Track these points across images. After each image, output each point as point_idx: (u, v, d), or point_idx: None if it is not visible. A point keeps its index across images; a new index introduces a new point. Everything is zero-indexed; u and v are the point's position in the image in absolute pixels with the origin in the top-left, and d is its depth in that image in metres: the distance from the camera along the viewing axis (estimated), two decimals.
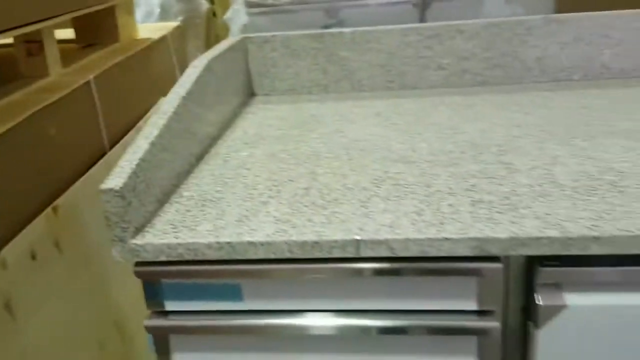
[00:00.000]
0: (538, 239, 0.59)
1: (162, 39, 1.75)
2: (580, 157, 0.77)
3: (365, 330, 0.67)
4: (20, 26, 1.13)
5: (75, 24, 1.62)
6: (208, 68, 0.92)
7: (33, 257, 0.97)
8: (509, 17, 1.15)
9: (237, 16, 2.45)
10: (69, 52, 1.45)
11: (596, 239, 0.59)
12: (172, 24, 2.06)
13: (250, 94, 1.19)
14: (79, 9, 1.37)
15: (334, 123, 0.99)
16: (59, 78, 1.26)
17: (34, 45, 1.25)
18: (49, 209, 1.05)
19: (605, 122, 0.89)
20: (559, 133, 0.86)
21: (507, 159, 0.78)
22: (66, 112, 1.14)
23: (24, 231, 0.93)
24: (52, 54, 1.25)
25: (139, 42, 1.67)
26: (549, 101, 1.02)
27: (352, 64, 1.16)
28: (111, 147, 1.31)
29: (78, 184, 1.12)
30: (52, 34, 1.26)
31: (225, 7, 2.99)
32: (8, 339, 0.86)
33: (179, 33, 2.02)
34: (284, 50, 1.16)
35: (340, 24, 2.12)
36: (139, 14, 3.65)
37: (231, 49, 1.07)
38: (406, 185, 0.73)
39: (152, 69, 1.64)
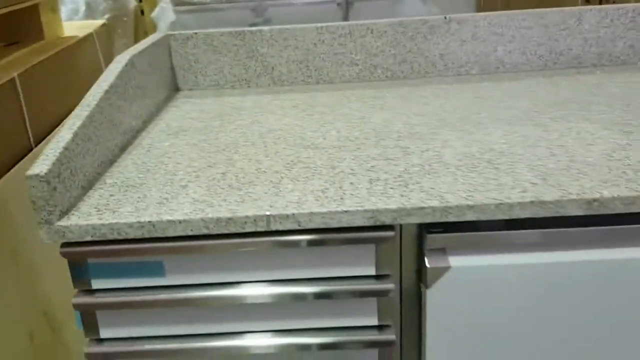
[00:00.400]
0: (422, 208, 0.69)
1: (88, 36, 1.77)
2: (467, 141, 0.87)
3: (276, 297, 0.74)
4: None
5: None
6: (131, 63, 0.97)
7: None
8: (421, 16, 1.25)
9: (164, 14, 2.47)
10: None
11: (470, 207, 0.69)
12: (98, 22, 2.07)
13: (175, 88, 1.24)
14: (2, 7, 1.38)
15: (253, 115, 1.06)
16: None
17: None
18: None
19: (494, 110, 1.00)
20: (452, 121, 0.97)
21: (404, 143, 0.88)
22: None
23: None
24: None
25: (64, 40, 1.68)
26: (448, 93, 1.13)
27: (272, 60, 1.23)
28: (37, 143, 1.33)
29: (3, 180, 1.14)
30: None
31: (153, 5, 3.00)
32: None
33: (105, 31, 2.03)
34: (206, 47, 1.22)
35: (267, 22, 2.19)
36: (64, 11, 3.59)
37: (154, 45, 1.13)
38: (314, 168, 0.81)
39: (78, 66, 1.66)
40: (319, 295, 0.74)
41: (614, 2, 2.06)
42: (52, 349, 1.28)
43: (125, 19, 3.90)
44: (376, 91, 1.17)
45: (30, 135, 1.32)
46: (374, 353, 0.78)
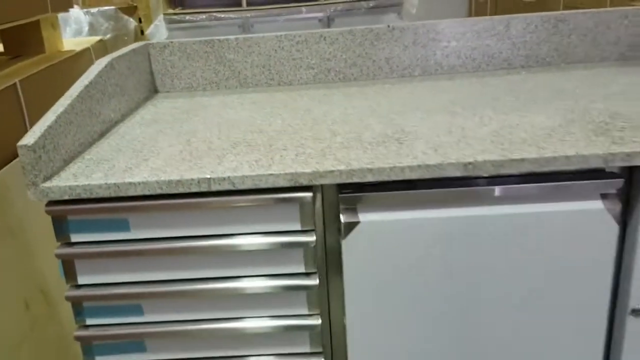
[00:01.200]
0: (331, 171, 0.86)
1: (85, 50, 1.97)
2: (386, 125, 1.04)
3: (217, 247, 0.91)
4: None
5: (3, 37, 1.82)
6: (110, 65, 1.15)
7: None
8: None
9: (158, 31, 2.68)
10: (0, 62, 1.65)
11: (370, 170, 0.85)
12: (95, 38, 2.28)
13: (154, 90, 1.43)
14: (5, 22, 1.58)
15: (216, 110, 1.24)
16: None
17: None
18: None
19: (420, 103, 1.18)
20: (381, 111, 1.14)
21: (334, 127, 1.05)
22: None
23: None
24: None
25: (63, 53, 1.88)
26: (389, 91, 1.30)
27: (238, 65, 1.42)
28: None
29: (5, 169, 1.32)
30: None
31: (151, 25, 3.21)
32: None
33: (102, 46, 2.23)
34: (180, 54, 1.40)
35: None
36: (69, 32, 3.83)
37: (134, 52, 1.31)
38: (254, 146, 0.98)
39: (75, 76, 1.84)
40: (253, 247, 0.91)
41: None
42: (47, 320, 1.44)
43: (126, 38, 4.13)
44: (328, 91, 1.35)
45: None
46: (302, 295, 0.94)
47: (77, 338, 0.97)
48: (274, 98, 1.31)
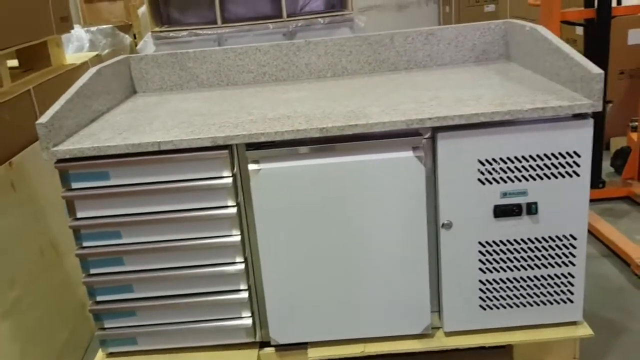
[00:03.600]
0: (237, 135, 1.34)
1: (83, 64, 2.47)
2: (287, 109, 1.53)
3: (169, 190, 1.40)
4: None
5: (18, 54, 2.33)
6: (98, 72, 1.65)
7: None
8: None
9: (146, 46, 3.19)
10: (15, 74, 2.16)
11: (262, 134, 1.34)
12: (92, 54, 2.78)
13: (133, 91, 1.92)
14: (21, 43, 2.07)
15: (176, 103, 1.73)
16: (9, 88, 1.96)
17: None
18: (6, 163, 1.74)
19: (320, 95, 1.66)
20: (290, 100, 1.62)
21: (252, 111, 1.54)
22: (15, 108, 1.84)
23: None
24: (4, 72, 1.96)
25: (66, 66, 2.39)
26: (305, 87, 1.79)
27: (196, 70, 1.91)
28: None
29: (23, 152, 1.82)
30: (4, 60, 1.96)
31: None
32: None
33: (98, 59, 2.73)
34: (153, 63, 1.90)
35: None
36: (71, 48, 4.36)
37: (118, 62, 1.81)
38: (194, 124, 1.47)
39: None
40: (191, 188, 1.40)
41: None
42: (55, 267, 1.93)
43: (122, 52, 4.66)
44: (261, 88, 1.84)
45: None
46: (226, 221, 1.43)
47: (78, 255, 1.46)
48: (220, 94, 1.80)
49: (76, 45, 4.36)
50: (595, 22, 2.68)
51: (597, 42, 2.70)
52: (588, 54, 2.78)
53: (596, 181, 2.90)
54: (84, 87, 1.55)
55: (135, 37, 4.72)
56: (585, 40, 2.81)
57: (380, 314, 1.49)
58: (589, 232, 2.54)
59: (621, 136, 3.29)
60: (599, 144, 2.83)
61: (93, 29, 4.49)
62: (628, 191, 2.87)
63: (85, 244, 1.46)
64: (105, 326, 1.52)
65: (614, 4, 2.69)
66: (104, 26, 4.58)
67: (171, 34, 3.21)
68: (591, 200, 2.80)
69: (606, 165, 3.11)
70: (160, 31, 3.30)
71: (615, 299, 2.06)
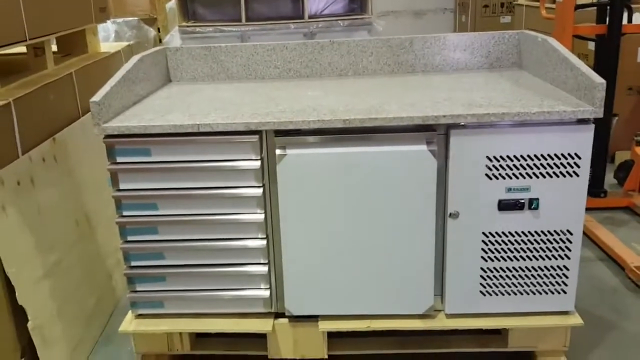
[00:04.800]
0: (268, 122, 1.48)
1: (117, 52, 2.63)
2: (312, 102, 1.67)
3: (204, 168, 1.54)
4: (34, 38, 1.97)
5: (58, 41, 2.48)
6: (141, 59, 1.80)
7: (43, 160, 1.81)
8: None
9: (172, 40, 3.34)
10: (56, 58, 2.31)
11: (290, 122, 1.48)
12: (124, 44, 2.94)
13: (169, 80, 2.07)
14: (64, 30, 2.22)
15: (209, 92, 1.87)
16: (53, 71, 2.11)
17: (39, 50, 2.10)
18: (50, 139, 1.89)
19: (342, 91, 1.80)
20: (315, 95, 1.76)
21: (280, 102, 1.68)
22: (59, 88, 1.99)
23: (40, 146, 1.78)
24: (49, 56, 2.11)
25: (101, 54, 2.54)
26: (326, 84, 1.93)
27: (227, 64, 2.05)
28: (84, 113, 2.16)
29: (66, 129, 1.97)
30: (49, 45, 2.11)
31: (168, 34, 3.88)
32: (27, 200, 1.71)
33: (129, 50, 2.88)
34: (187, 55, 2.05)
35: None
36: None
37: (156, 52, 1.95)
38: (228, 110, 1.61)
39: (111, 70, 2.49)
40: (225, 168, 1.54)
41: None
42: (89, 238, 2.07)
43: (146, 45, 4.83)
44: (287, 83, 1.98)
45: (80, 109, 2.15)
46: (253, 200, 1.57)
47: (118, 223, 1.60)
48: (249, 86, 1.95)
49: (102, 36, 4.52)
50: (606, 38, 2.81)
51: (606, 57, 2.83)
52: (597, 68, 2.91)
53: (598, 191, 3.03)
54: (129, 72, 1.70)
55: (159, 31, 4.87)
56: (595, 55, 2.94)
57: (387, 294, 1.63)
58: (588, 237, 2.67)
59: (626, 150, 3.41)
60: (603, 155, 2.96)
61: (119, 20, 4.65)
62: (629, 202, 3.00)
63: (125, 213, 1.60)
64: (137, 289, 1.66)
65: (624, 21, 2.82)
66: (130, 18, 4.74)
67: (197, 29, 3.36)
68: (593, 209, 2.96)
69: (610, 178, 3.23)
70: (187, 26, 3.45)
71: (609, 300, 2.19)
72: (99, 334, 2.02)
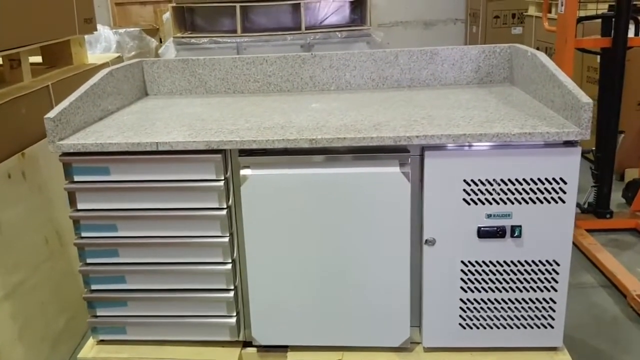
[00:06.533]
0: (230, 141, 1.40)
1: (104, 64, 2.56)
2: (284, 118, 1.58)
3: (165, 188, 1.46)
4: (7, 50, 1.92)
5: (42, 52, 2.43)
6: (110, 73, 1.72)
7: (9, 176, 1.75)
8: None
9: (168, 51, 3.29)
10: (38, 70, 2.26)
11: (254, 141, 1.39)
12: (114, 55, 2.88)
13: (145, 93, 2.00)
14: (45, 41, 2.17)
15: (181, 107, 1.80)
16: (29, 83, 2.05)
17: (15, 62, 2.05)
18: (19, 154, 1.82)
19: (319, 107, 1.71)
20: (288, 111, 1.68)
21: (250, 119, 1.59)
22: (33, 102, 1.93)
23: (6, 162, 1.71)
24: (26, 68, 2.05)
25: (86, 66, 2.48)
26: (305, 99, 1.84)
27: (205, 77, 1.98)
28: None
29: (37, 144, 1.90)
30: (26, 56, 2.06)
31: None
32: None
33: (119, 60, 2.83)
34: (164, 68, 1.97)
35: None
36: (99, 48, 4.49)
37: (130, 66, 1.88)
38: (193, 127, 1.53)
39: None
40: (185, 188, 1.46)
41: None
42: (59, 255, 2.00)
43: (147, 55, 4.78)
44: (265, 97, 1.90)
45: None
46: (217, 221, 1.48)
47: (76, 244, 1.52)
48: (224, 101, 1.87)
49: (104, 46, 4.49)
50: (611, 51, 2.69)
51: (612, 71, 2.71)
52: (603, 82, 2.79)
53: (604, 211, 2.90)
54: (95, 86, 1.63)
55: (161, 41, 4.85)
56: (600, 69, 2.82)
57: (360, 324, 1.53)
58: (590, 261, 2.54)
59: (636, 168, 3.28)
60: (609, 174, 2.83)
61: (121, 30, 4.63)
62: (636, 223, 2.86)
63: (83, 234, 1.53)
64: (98, 314, 1.58)
65: (631, 34, 2.70)
66: (132, 29, 4.72)
67: (192, 40, 3.31)
68: (597, 230, 2.82)
69: (617, 197, 3.09)
70: (182, 37, 3.40)
71: (608, 330, 2.06)
72: (69, 355, 1.95)
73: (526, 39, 5.22)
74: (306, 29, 3.32)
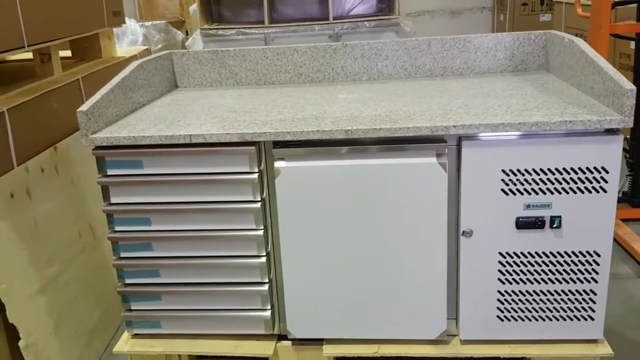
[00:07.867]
0: (264, 133, 1.38)
1: (132, 57, 2.57)
2: (317, 109, 1.56)
3: (194, 181, 1.45)
4: (38, 44, 1.92)
5: (72, 46, 2.44)
6: (140, 66, 1.72)
7: (42, 171, 1.76)
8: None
9: (195, 43, 3.28)
10: (68, 64, 2.27)
11: (288, 132, 1.38)
12: (142, 47, 2.88)
13: (175, 85, 1.99)
14: (74, 34, 2.18)
15: (212, 99, 1.79)
16: (60, 77, 2.06)
17: (45, 56, 2.06)
18: (51, 148, 1.83)
19: (352, 97, 1.69)
20: (321, 101, 1.66)
21: (282, 110, 1.58)
22: (64, 96, 1.94)
23: (39, 156, 1.72)
24: (56, 62, 2.06)
25: (115, 59, 2.49)
26: (337, 90, 1.82)
27: (235, 69, 1.96)
28: None
29: (69, 138, 1.91)
30: (57, 50, 2.07)
31: None
32: (22, 213, 1.65)
33: (147, 53, 2.83)
34: (194, 60, 1.97)
35: None
36: (126, 41, 4.51)
37: (160, 58, 1.88)
38: (225, 119, 1.52)
39: None
40: (219, 180, 1.45)
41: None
42: (92, 249, 2.02)
43: (174, 48, 4.79)
44: (296, 88, 1.88)
45: None
46: (251, 216, 1.47)
47: (110, 238, 1.53)
48: (256, 92, 1.85)
49: (131, 39, 4.51)
50: None
51: None
52: (638, 68, 2.71)
53: (639, 201, 2.83)
54: (125, 79, 1.63)
55: (187, 34, 4.85)
56: (635, 55, 2.74)
57: (397, 316, 1.51)
58: (627, 251, 2.48)
59: None
60: None
61: (148, 23, 4.64)
62: None
63: (117, 228, 1.53)
64: (132, 308, 1.59)
65: None
66: (158, 22, 4.73)
67: (219, 31, 3.30)
68: (633, 220, 2.74)
69: None
70: (209, 29, 3.39)
71: None
72: (103, 349, 1.96)
73: (555, 26, 5.10)
74: (334, 19, 3.28)
